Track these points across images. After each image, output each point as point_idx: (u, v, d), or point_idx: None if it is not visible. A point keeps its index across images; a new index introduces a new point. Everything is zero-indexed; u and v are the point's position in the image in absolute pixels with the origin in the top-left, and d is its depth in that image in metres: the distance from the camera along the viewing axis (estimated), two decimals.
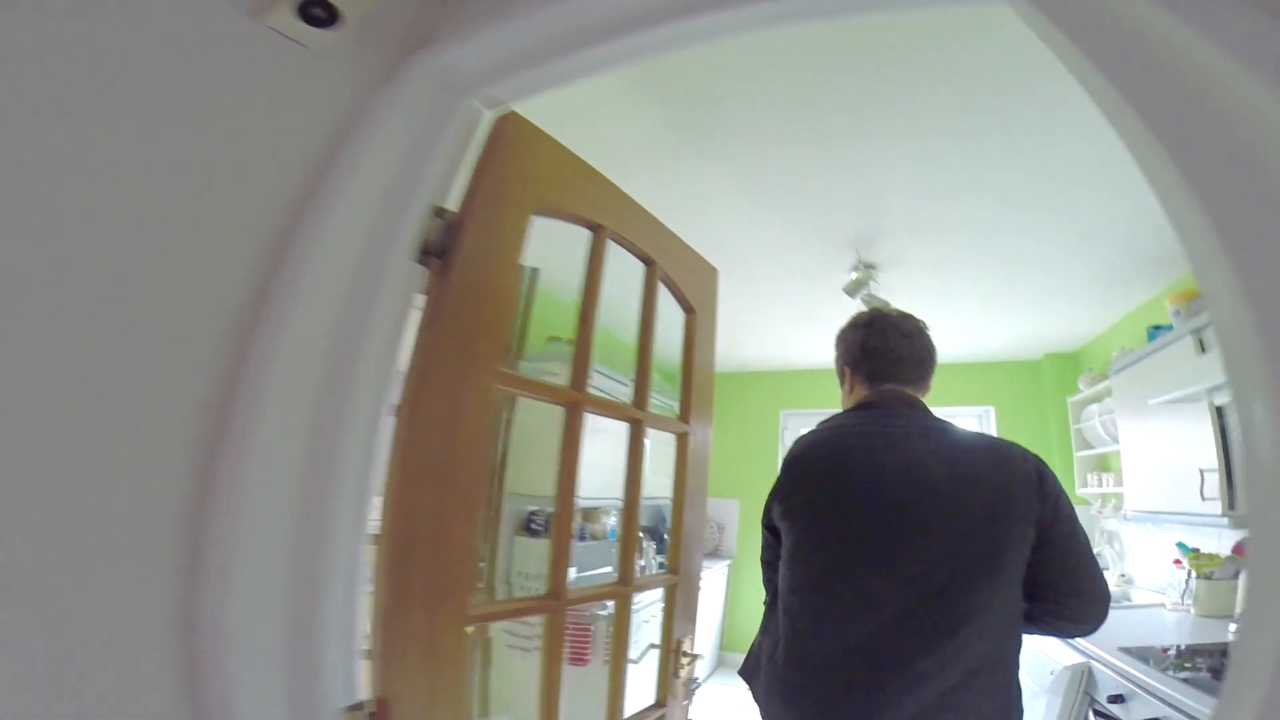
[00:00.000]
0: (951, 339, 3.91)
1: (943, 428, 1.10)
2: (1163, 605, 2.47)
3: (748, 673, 1.15)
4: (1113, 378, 2.81)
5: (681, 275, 1.56)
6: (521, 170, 1.07)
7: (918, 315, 1.26)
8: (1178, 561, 2.49)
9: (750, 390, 5.07)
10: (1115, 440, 3.18)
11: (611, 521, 3.39)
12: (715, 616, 4.50)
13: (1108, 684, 1.80)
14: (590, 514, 3.37)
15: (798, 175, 2.13)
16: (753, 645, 1.17)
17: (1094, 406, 3.45)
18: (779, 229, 2.50)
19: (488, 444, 1.00)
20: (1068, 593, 0.98)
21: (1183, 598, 2.34)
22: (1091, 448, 3.52)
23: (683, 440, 1.50)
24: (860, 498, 1.02)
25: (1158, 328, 2.57)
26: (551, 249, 1.33)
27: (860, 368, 1.21)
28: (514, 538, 3.10)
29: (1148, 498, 2.44)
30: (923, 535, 0.96)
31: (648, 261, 1.43)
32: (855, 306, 3.03)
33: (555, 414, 1.23)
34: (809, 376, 4.88)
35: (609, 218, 1.28)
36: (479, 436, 0.96)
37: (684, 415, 1.51)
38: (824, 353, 4.50)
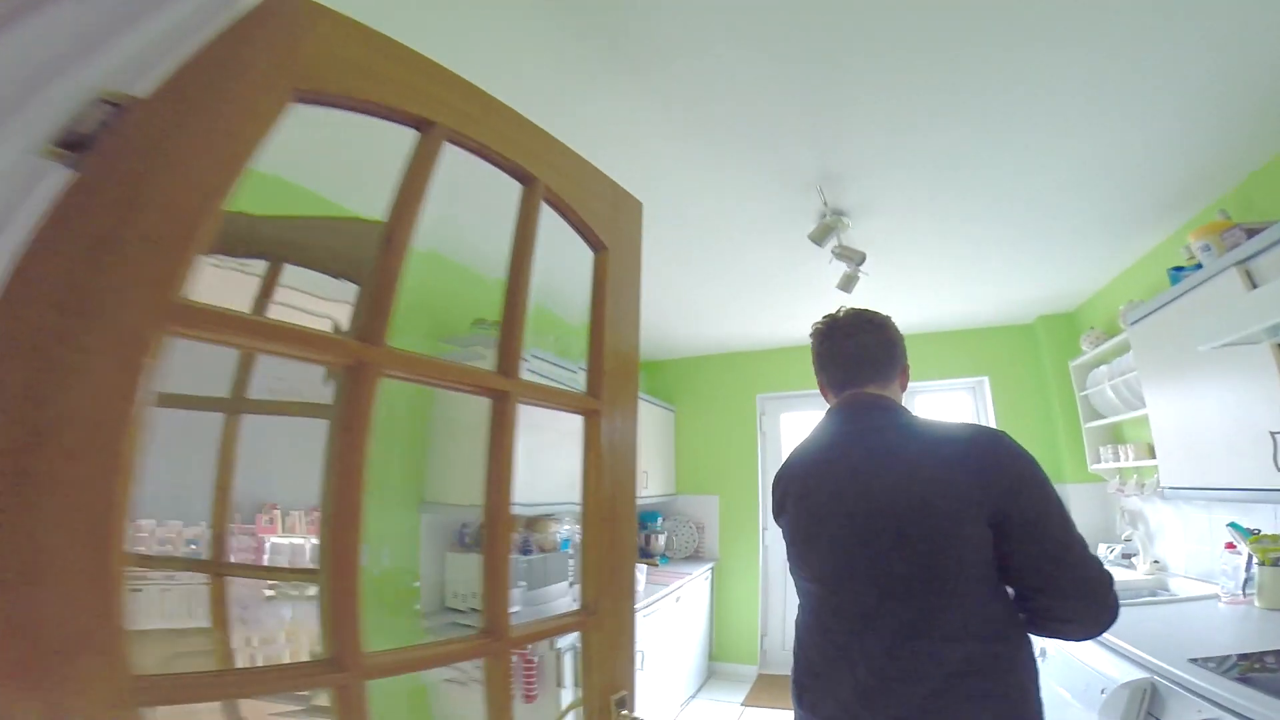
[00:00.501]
0: (938, 306, 3.52)
1: (904, 424, 1.09)
2: (1215, 597, 2.08)
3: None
4: (1128, 330, 2.42)
5: (585, 202, 1.13)
6: (277, 47, 0.68)
7: (875, 306, 1.27)
8: (1231, 546, 2.11)
9: (723, 374, 4.65)
10: (1132, 405, 2.81)
11: (565, 530, 2.94)
12: (700, 625, 4.08)
13: (1181, 707, 1.40)
14: (536, 523, 2.91)
15: (749, 104, 1.70)
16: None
17: (1102, 369, 3.07)
18: (732, 169, 2.06)
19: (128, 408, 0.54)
20: (1047, 590, 0.94)
21: (1243, 588, 1.95)
22: (1102, 417, 3.15)
23: (592, 424, 1.06)
24: (825, 507, 1.07)
25: (1179, 269, 2.18)
26: (477, 218, 1.07)
27: (822, 377, 1.26)
28: (446, 554, 2.65)
29: (1189, 471, 2.05)
30: (877, 537, 0.98)
31: (524, 178, 0.99)
32: (830, 270, 2.61)
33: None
34: (784, 356, 4.46)
35: (447, 114, 0.83)
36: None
37: (593, 389, 1.07)
38: (799, 328, 4.11)
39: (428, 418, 2.71)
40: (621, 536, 1.11)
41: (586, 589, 1.05)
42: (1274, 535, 1.94)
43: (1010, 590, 0.99)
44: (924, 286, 3.26)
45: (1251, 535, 1.98)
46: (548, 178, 1.01)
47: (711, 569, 4.33)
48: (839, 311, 1.24)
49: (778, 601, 4.29)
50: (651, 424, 4.30)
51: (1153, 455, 2.77)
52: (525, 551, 2.65)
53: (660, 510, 4.48)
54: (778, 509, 1.21)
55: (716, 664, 4.29)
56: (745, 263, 2.88)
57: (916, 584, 0.93)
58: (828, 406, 1.23)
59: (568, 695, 2.21)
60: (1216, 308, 1.78)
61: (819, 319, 1.27)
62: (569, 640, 2.28)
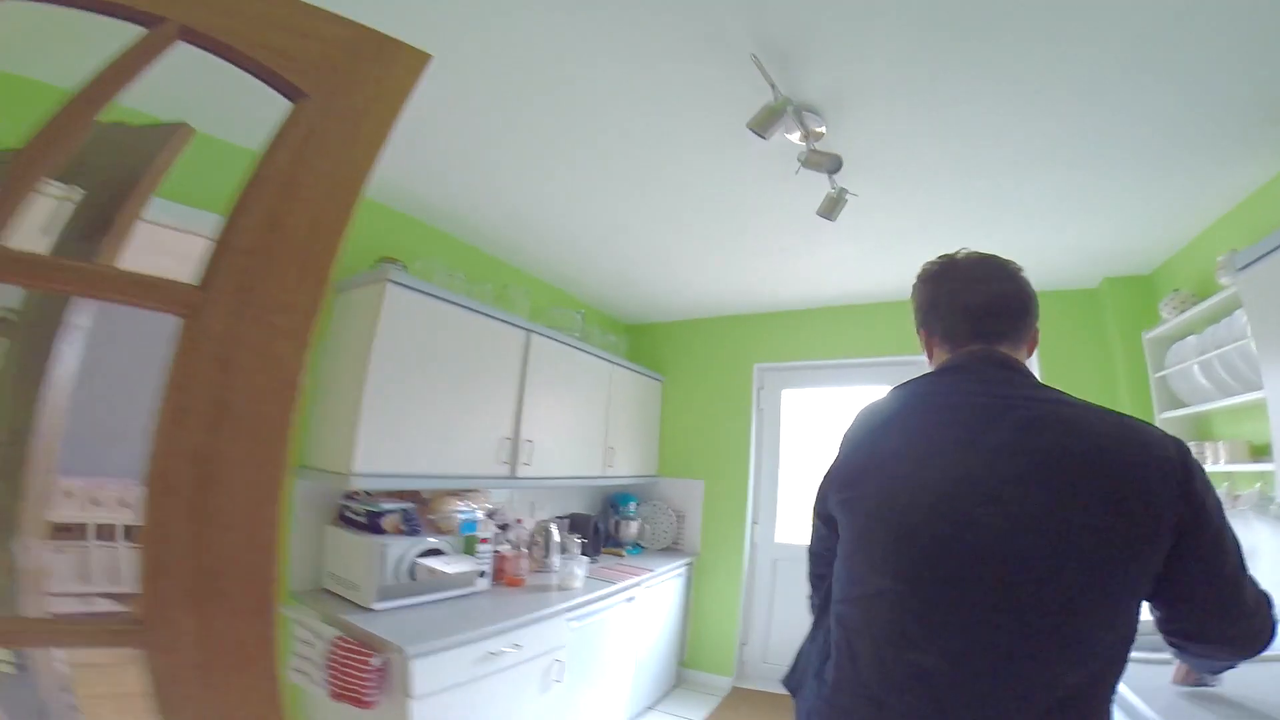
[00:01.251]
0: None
1: (1053, 399, 0.87)
2: None
3: (793, 684, 1.03)
4: (1236, 279, 1.69)
5: (275, 42, 0.60)
6: None
7: (1002, 255, 1.02)
8: None
9: (717, 340, 4.03)
10: (1229, 390, 2.08)
11: (468, 511, 2.43)
12: (672, 626, 3.55)
13: None
14: (434, 499, 2.39)
15: None
16: (800, 651, 1.05)
17: (1190, 341, 2.33)
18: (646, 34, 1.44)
19: None
20: (1213, 619, 0.81)
21: None
22: (1184, 405, 2.41)
23: (190, 329, 0.52)
24: (936, 489, 0.84)
25: None
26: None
27: (935, 328, 1.03)
28: (325, 528, 2.19)
29: None
30: (1011, 539, 0.78)
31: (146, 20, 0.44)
32: (813, 193, 1.95)
33: None
34: (787, 321, 3.80)
35: None
36: None
37: (210, 274, 0.52)
38: (803, 289, 3.45)
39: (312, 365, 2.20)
40: (232, 517, 0.58)
41: (145, 590, 0.54)
42: None
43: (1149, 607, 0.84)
44: (940, 228, 2.57)
45: None
46: (195, 17, 0.47)
47: (689, 564, 3.77)
48: (958, 253, 1.04)
49: (762, 607, 3.70)
50: (633, 394, 3.73)
51: (1261, 457, 2.04)
52: (413, 533, 2.15)
53: (636, 493, 3.93)
54: (853, 476, 0.96)
55: (688, 671, 3.75)
56: (704, 190, 2.25)
57: (1063, 600, 0.76)
58: (938, 363, 1.02)
59: (419, 708, 1.72)
60: None
61: (931, 260, 1.05)
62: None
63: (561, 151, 2.03)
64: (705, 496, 3.89)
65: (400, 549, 2.06)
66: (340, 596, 2.08)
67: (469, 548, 2.34)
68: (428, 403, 2.23)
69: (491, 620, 2.05)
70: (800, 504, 3.75)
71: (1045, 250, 2.67)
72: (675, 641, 3.63)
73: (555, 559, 2.95)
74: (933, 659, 0.79)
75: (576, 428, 3.12)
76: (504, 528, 2.90)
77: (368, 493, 2.23)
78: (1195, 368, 2.24)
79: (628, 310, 4.03)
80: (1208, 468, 2.17)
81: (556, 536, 3.04)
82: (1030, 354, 1.00)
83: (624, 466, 3.58)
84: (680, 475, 3.99)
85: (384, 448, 2.06)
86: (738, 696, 3.50)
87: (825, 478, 1.02)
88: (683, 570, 3.66)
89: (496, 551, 2.63)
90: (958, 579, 0.80)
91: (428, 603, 2.14)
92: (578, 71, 1.61)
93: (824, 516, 1.03)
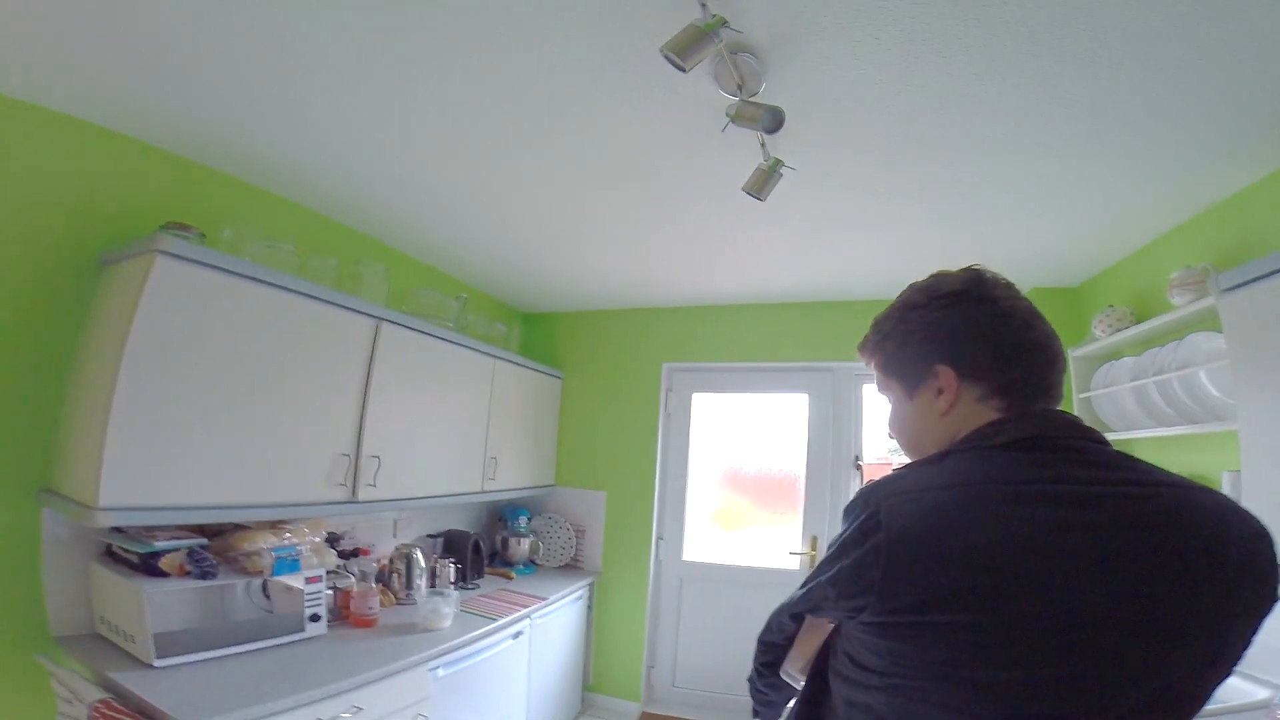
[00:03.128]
0: (888, 263, 2.54)
1: (1166, 483, 0.64)
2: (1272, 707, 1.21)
3: None
4: (1219, 299, 1.46)
5: None
6: None
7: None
8: None
9: (623, 334, 3.60)
10: (1164, 419, 1.92)
11: (296, 546, 1.89)
12: (574, 651, 3.15)
13: None
14: (234, 535, 1.81)
15: None
16: None
17: (1124, 363, 2.18)
18: None
19: None
20: None
21: None
22: (1109, 430, 2.26)
23: None
24: (1052, 617, 0.59)
25: None
26: None
27: (993, 374, 0.74)
28: (91, 566, 1.61)
29: None
30: (1145, 671, 0.58)
31: None
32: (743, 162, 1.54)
33: None
34: (701, 316, 3.44)
35: None
36: None
37: None
38: (722, 282, 3.03)
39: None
40: None
41: None
42: None
43: None
44: (869, 239, 2.29)
45: None
46: None
47: (591, 584, 3.36)
48: (971, 268, 0.78)
49: (669, 628, 3.37)
50: (525, 393, 3.24)
51: None
52: (205, 575, 1.59)
53: (528, 506, 3.45)
54: (928, 592, 0.62)
55: (594, 696, 3.38)
56: (608, 145, 1.79)
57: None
58: (980, 421, 0.72)
59: None
60: None
61: (946, 274, 0.79)
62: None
63: (422, 86, 1.50)
64: (608, 509, 3.48)
65: (181, 598, 1.53)
66: (117, 646, 1.56)
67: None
68: (221, 414, 1.65)
69: (323, 678, 1.60)
70: (705, 518, 3.44)
71: (977, 255, 2.44)
72: (578, 666, 3.23)
73: (420, 591, 2.44)
74: None
75: (447, 436, 2.59)
76: (351, 555, 2.35)
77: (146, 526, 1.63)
78: (1128, 392, 2.08)
79: (523, 296, 3.51)
80: None
81: (421, 563, 2.52)
82: None
83: (511, 478, 3.08)
84: (580, 485, 3.55)
85: (149, 473, 1.50)
86: None
87: (855, 577, 0.68)
88: (583, 592, 3.24)
89: (335, 588, 2.09)
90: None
91: (238, 654, 1.65)
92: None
93: (851, 619, 0.72)
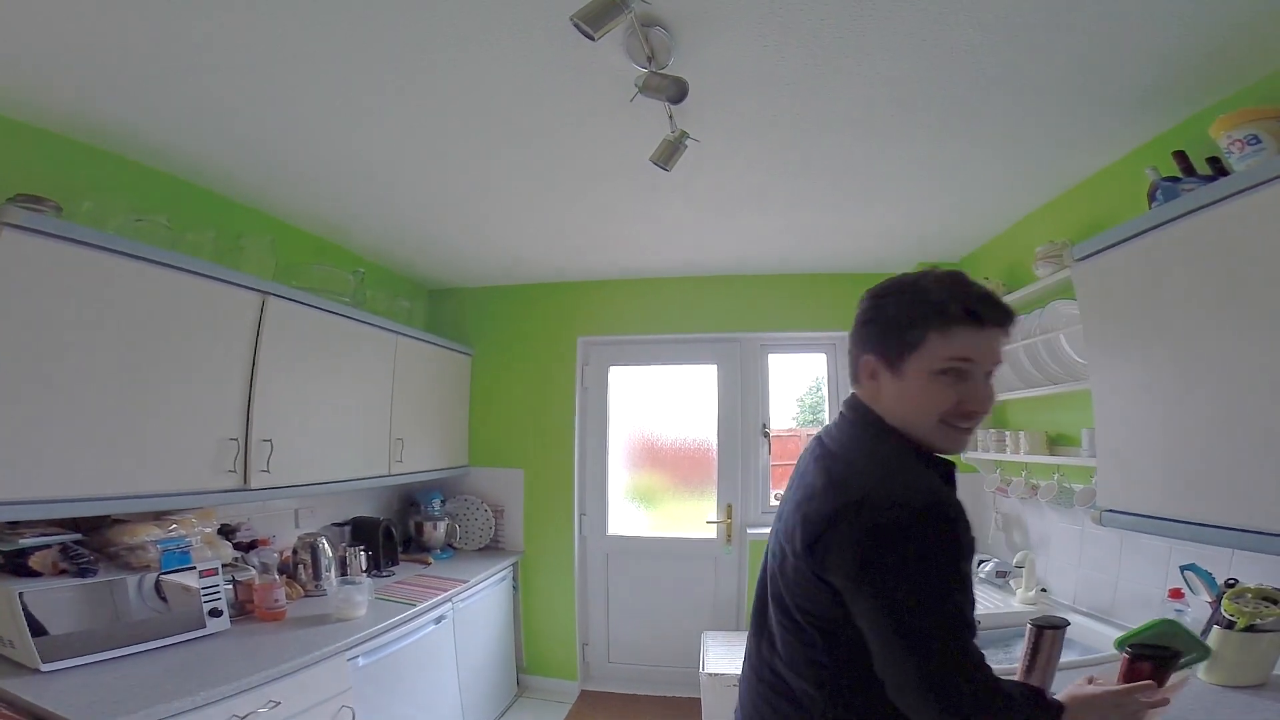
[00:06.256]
0: (791, 239, 2.66)
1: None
2: None
3: None
4: (1074, 268, 1.65)
5: None
6: None
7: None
8: (1178, 594, 1.48)
9: (535, 308, 3.54)
10: (1031, 381, 2.15)
11: (184, 535, 1.75)
12: (503, 634, 3.13)
13: None
14: (115, 526, 1.65)
15: None
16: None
17: None
18: None
19: None
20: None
21: None
22: None
23: None
24: None
25: (1175, 179, 1.41)
26: None
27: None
28: None
29: (1152, 494, 1.33)
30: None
31: None
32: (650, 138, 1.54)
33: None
34: (616, 290, 3.45)
35: None
36: None
37: None
38: (637, 256, 3.01)
39: None
40: None
41: None
42: (1260, 589, 1.29)
43: None
44: (767, 215, 2.37)
45: (1227, 587, 1.32)
46: None
47: (515, 565, 3.33)
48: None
49: (599, 604, 3.42)
50: (432, 371, 3.12)
51: (1048, 451, 2.15)
52: (84, 572, 1.45)
53: (441, 488, 3.36)
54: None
55: (530, 678, 3.38)
56: (513, 111, 1.74)
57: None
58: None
59: None
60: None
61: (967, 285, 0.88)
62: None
63: (313, 49, 1.37)
64: (526, 487, 3.44)
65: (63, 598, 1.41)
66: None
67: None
68: (90, 399, 1.48)
69: (232, 673, 1.51)
70: (626, 491, 3.49)
71: (867, 228, 2.59)
72: (509, 648, 3.20)
73: (330, 581, 2.32)
74: None
75: (348, 418, 2.45)
76: (250, 547, 2.19)
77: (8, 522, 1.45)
78: None
79: (428, 271, 3.35)
80: (1001, 456, 2.29)
81: (329, 552, 2.40)
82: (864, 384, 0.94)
83: (420, 460, 2.97)
84: (495, 464, 3.49)
85: (9, 464, 1.35)
86: (587, 700, 3.21)
87: (966, 550, 0.81)
88: (506, 573, 3.20)
89: (235, 581, 1.96)
90: None
91: (135, 654, 1.55)
92: None
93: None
